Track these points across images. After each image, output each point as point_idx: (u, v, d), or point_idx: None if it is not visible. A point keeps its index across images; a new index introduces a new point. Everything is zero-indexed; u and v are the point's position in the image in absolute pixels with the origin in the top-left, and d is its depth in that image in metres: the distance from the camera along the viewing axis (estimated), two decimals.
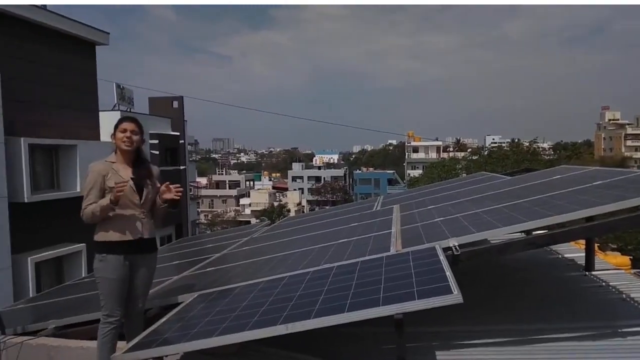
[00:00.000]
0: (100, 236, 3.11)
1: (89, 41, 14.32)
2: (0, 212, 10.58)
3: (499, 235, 3.43)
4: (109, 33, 15.01)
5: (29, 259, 11.29)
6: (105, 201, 3.02)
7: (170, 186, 3.22)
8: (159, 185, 3.29)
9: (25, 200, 11.25)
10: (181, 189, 3.25)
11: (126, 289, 3.13)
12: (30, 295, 10.10)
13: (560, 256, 5.21)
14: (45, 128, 12.33)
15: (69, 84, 13.37)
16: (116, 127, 3.20)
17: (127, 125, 3.17)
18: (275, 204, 65.81)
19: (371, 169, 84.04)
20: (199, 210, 44.95)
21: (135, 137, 3.17)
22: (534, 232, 3.87)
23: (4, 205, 10.70)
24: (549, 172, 6.08)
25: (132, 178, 3.13)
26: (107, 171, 3.11)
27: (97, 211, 3.02)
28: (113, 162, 3.17)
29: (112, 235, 3.08)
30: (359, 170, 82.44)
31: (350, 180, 78.27)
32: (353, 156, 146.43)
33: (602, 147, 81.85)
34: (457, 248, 3.01)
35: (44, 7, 12.99)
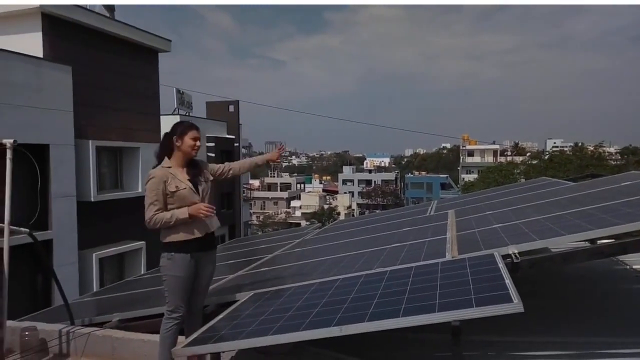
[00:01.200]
0: (169, 237, 3.20)
1: (152, 49, 15.01)
2: (70, 210, 11.28)
3: (562, 243, 3.28)
4: (170, 40, 15.66)
5: (93, 254, 11.96)
6: (184, 215, 3.13)
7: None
8: (212, 177, 3.46)
9: (92, 200, 11.93)
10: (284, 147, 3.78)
11: (191, 286, 3.25)
12: (94, 289, 10.69)
13: (628, 267, 4.91)
14: (110, 131, 13.03)
15: (133, 89, 14.08)
16: (185, 132, 3.27)
17: (197, 134, 3.31)
18: (326, 206, 66.05)
19: (424, 172, 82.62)
20: (251, 211, 45.88)
21: (199, 144, 3.34)
22: (599, 242, 3.67)
23: (73, 203, 11.39)
24: (616, 179, 5.74)
25: (189, 180, 3.27)
26: (166, 177, 3.21)
27: (171, 221, 3.13)
28: (169, 167, 3.26)
29: (181, 236, 3.18)
30: (411, 174, 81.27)
31: (402, 184, 77.30)
32: (405, 159, 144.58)
33: None
34: (517, 255, 2.91)
35: (112, 10, 13.72)
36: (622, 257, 5.07)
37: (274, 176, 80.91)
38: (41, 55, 11.26)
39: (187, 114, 23.11)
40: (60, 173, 11.04)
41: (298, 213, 66.00)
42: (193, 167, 3.35)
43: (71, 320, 4.12)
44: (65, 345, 3.95)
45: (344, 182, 79.18)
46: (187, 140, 3.26)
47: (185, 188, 3.22)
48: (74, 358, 3.89)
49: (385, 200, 65.73)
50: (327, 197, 73.94)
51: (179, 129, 3.29)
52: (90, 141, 11.98)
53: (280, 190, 73.73)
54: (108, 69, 13.23)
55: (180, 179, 3.23)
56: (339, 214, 60.57)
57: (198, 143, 3.31)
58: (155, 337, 3.32)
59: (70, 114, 11.38)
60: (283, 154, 3.81)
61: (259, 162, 3.83)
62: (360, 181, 77.14)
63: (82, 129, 11.92)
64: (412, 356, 3.14)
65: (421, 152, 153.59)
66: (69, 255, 11.16)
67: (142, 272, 11.15)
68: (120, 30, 13.57)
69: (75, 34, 12.28)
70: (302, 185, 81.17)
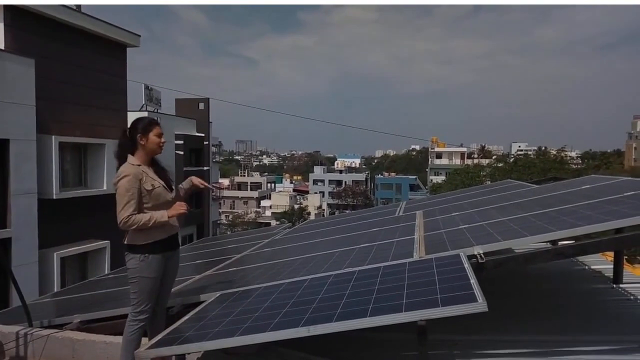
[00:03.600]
0: (143, 239, 3.08)
1: (120, 43, 14.65)
2: (30, 207, 10.89)
3: (525, 244, 3.36)
4: (140, 35, 15.33)
5: (55, 254, 11.58)
6: (163, 217, 3.06)
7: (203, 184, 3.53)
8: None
9: (54, 197, 11.55)
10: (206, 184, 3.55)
11: (159, 287, 3.19)
12: (55, 290, 10.35)
13: (587, 267, 5.08)
14: (75, 127, 12.66)
15: (100, 84, 13.71)
16: (149, 129, 3.15)
17: (160, 129, 3.20)
18: (296, 206, 65.98)
19: (393, 174, 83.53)
20: (220, 210, 45.36)
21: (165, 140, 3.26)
22: (560, 243, 3.78)
23: (34, 201, 11.00)
24: (577, 182, 5.94)
25: (161, 178, 3.21)
26: (141, 175, 3.09)
27: (149, 224, 3.03)
28: (139, 165, 3.14)
29: (157, 236, 3.11)
30: (381, 175, 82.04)
31: (372, 184, 77.93)
32: (375, 161, 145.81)
33: (633, 157, 79.52)
34: (482, 256, 2.96)
35: (78, 8, 13.35)
36: (581, 258, 5.25)
37: (244, 175, 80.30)
38: (2, 47, 10.84)
39: (156, 110, 22.68)
40: (21, 169, 10.65)
41: (268, 213, 65.68)
42: (157, 165, 3.28)
43: (29, 322, 3.96)
44: (23, 348, 3.80)
45: (315, 182, 79.26)
46: (152, 137, 3.15)
47: (159, 186, 3.15)
48: None
49: (355, 201, 66.11)
50: (298, 197, 73.86)
51: (140, 126, 3.15)
52: (53, 136, 11.60)
53: (251, 190, 73.21)
54: (73, 63, 12.84)
55: (152, 177, 3.14)
56: (309, 213, 60.59)
57: (163, 139, 3.21)
58: (118, 339, 3.24)
59: (32, 108, 10.98)
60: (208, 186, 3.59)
61: (186, 186, 3.51)
62: (330, 181, 77.36)
63: (45, 124, 11.53)
64: (379, 355, 3.17)
65: (391, 154, 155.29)
66: (29, 254, 10.77)
67: (106, 272, 10.86)
68: (87, 24, 13.18)
69: (40, 26, 11.86)
70: (273, 185, 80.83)
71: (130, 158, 3.16)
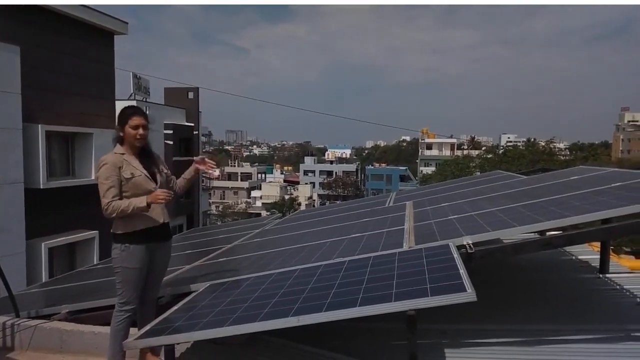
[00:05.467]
0: (122, 227, 3.08)
1: (107, 30, 14.43)
2: (16, 197, 10.75)
3: (513, 234, 3.39)
4: (127, 23, 15.10)
5: (42, 244, 11.47)
6: (142, 203, 3.00)
7: (207, 159, 3.45)
8: (166, 170, 3.35)
9: (41, 187, 11.41)
10: (214, 164, 3.47)
11: (144, 278, 3.16)
12: (43, 280, 10.26)
13: (574, 257, 5.14)
14: (62, 116, 12.48)
15: (87, 72, 13.50)
16: (125, 120, 3.11)
17: (138, 120, 3.11)
18: (286, 197, 65.94)
19: (384, 164, 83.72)
20: (211, 201, 45.21)
21: (146, 132, 3.16)
22: (548, 233, 3.82)
23: (20, 190, 10.86)
24: (565, 173, 5.99)
25: (144, 167, 3.16)
26: (121, 163, 3.07)
27: (127, 210, 3.00)
28: (123, 154, 3.12)
29: (136, 225, 3.07)
30: (372, 165, 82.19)
31: (362, 175, 78.09)
32: (366, 151, 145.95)
33: (620, 148, 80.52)
34: (471, 246, 2.98)
35: None
36: (568, 248, 5.31)
37: (234, 165, 79.97)
38: None
39: (144, 99, 22.43)
40: (6, 158, 10.49)
41: (258, 203, 65.58)
42: (146, 156, 3.23)
43: (16, 313, 3.93)
44: (10, 339, 3.77)
45: (305, 172, 79.20)
46: (127, 129, 3.11)
47: (140, 175, 3.11)
48: (19, 352, 3.72)
49: (345, 191, 66.24)
50: (288, 187, 73.82)
51: (120, 117, 3.13)
52: (39, 125, 11.42)
53: (241, 180, 73.02)
54: (60, 50, 12.61)
55: (134, 166, 3.11)
56: (299, 204, 60.60)
57: (141, 131, 3.11)
58: (107, 329, 3.22)
59: (18, 96, 10.78)
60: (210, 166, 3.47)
61: (187, 177, 3.51)
62: (321, 172, 77.36)
63: (31, 112, 11.33)
64: (368, 345, 3.18)
65: (382, 145, 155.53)
66: (16, 244, 10.64)
67: (95, 263, 10.79)
68: (74, 10, 12.94)
69: (25, 13, 11.63)
70: (263, 175, 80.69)
71: (117, 147, 3.16)
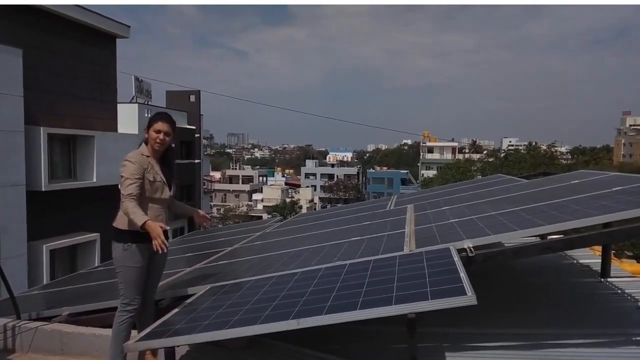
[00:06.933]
0: (127, 224, 3.08)
1: (110, 34, 14.48)
2: (18, 199, 10.76)
3: (514, 238, 3.39)
4: (129, 26, 15.15)
5: (44, 246, 11.48)
6: (141, 221, 2.94)
7: (206, 216, 3.72)
8: (176, 181, 3.46)
9: (43, 189, 11.43)
10: (209, 220, 3.73)
11: (145, 277, 3.19)
12: (44, 282, 10.27)
13: (575, 261, 5.13)
14: (63, 118, 12.51)
15: (89, 75, 13.55)
16: (151, 123, 3.21)
17: (161, 126, 3.19)
18: (288, 200, 65.93)
19: (385, 168, 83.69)
20: (212, 204, 45.23)
21: (167, 139, 3.22)
22: (549, 237, 3.82)
23: (22, 193, 10.88)
24: (567, 177, 5.99)
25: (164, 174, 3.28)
26: (146, 164, 3.16)
27: (130, 215, 2.99)
28: (148, 156, 3.20)
29: (135, 226, 3.06)
30: (373, 169, 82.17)
31: (364, 178, 78.08)
32: (367, 155, 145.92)
33: (622, 153, 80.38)
34: (472, 250, 2.98)
35: None
36: (569, 252, 5.30)
37: (235, 168, 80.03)
38: None
39: (146, 102, 22.47)
40: (8, 160, 10.51)
41: (260, 206, 65.59)
42: (167, 165, 3.30)
43: (17, 315, 3.93)
44: (11, 341, 3.77)
45: (307, 175, 79.22)
46: (151, 132, 3.19)
47: (160, 181, 3.20)
48: (20, 354, 3.72)
49: (347, 195, 66.23)
50: (290, 190, 73.83)
51: (149, 120, 3.23)
52: (41, 128, 11.45)
53: (242, 183, 73.01)
54: (62, 53, 12.66)
55: (156, 170, 3.20)
56: (301, 207, 60.57)
57: (161, 136, 3.18)
58: (108, 332, 3.22)
59: (20, 99, 10.81)
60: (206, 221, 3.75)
61: (181, 211, 3.68)
62: (322, 175, 77.38)
63: (33, 115, 11.37)
64: (369, 348, 3.18)
65: (383, 148, 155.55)
66: (17, 246, 10.66)
67: (96, 265, 10.79)
68: (76, 14, 13.00)
69: (28, 16, 11.68)
70: (265, 178, 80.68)
71: (142, 147, 3.24)
